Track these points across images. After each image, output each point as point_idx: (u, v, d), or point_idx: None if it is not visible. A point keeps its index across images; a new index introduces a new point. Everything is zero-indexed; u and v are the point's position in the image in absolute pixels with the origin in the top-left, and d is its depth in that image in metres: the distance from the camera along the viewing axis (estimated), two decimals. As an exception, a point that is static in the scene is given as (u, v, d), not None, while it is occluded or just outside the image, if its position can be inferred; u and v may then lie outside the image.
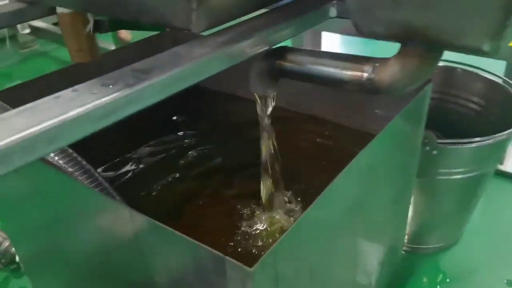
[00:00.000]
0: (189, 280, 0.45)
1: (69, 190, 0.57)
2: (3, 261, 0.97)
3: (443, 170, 0.85)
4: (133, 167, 0.90)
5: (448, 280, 0.96)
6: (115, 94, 0.34)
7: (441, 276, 0.97)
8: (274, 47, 0.49)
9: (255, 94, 0.53)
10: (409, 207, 0.85)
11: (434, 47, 0.38)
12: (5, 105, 0.53)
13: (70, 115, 0.32)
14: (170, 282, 0.48)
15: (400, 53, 0.40)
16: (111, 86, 0.36)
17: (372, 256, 0.76)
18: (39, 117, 0.31)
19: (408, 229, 0.97)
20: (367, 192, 0.62)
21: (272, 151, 0.57)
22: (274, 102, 0.53)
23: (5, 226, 0.84)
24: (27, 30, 2.15)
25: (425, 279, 0.97)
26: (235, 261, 0.38)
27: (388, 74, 0.40)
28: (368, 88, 0.42)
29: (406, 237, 0.99)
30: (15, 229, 0.81)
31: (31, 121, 0.30)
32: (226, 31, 0.46)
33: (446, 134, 0.90)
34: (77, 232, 0.62)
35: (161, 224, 0.43)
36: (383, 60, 0.42)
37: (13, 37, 2.23)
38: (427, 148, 0.80)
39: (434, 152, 0.81)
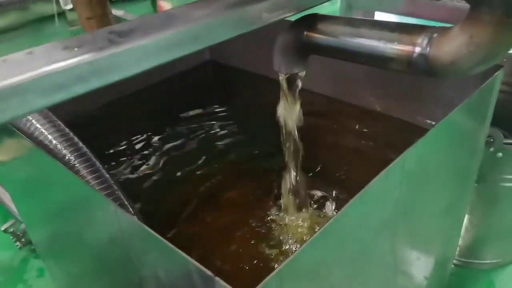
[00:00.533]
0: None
1: (72, 186, 0.50)
2: (22, 240, 0.94)
3: (508, 176, 0.72)
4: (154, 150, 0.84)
5: (503, 301, 0.83)
6: (76, 59, 0.26)
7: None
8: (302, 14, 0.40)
9: (279, 74, 0.43)
10: (464, 216, 0.73)
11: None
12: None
13: (11, 82, 0.24)
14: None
15: (468, 19, 0.29)
16: (75, 49, 0.28)
17: (415, 271, 0.65)
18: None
19: (461, 241, 0.84)
20: (413, 198, 0.51)
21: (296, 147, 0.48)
22: (301, 85, 0.43)
23: (19, 208, 0.81)
24: (70, 6, 2.13)
25: (477, 299, 0.84)
26: (226, 284, 0.29)
27: (450, 49, 0.29)
28: (420, 68, 0.31)
29: (457, 249, 0.87)
30: (26, 213, 0.77)
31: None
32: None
33: (515, 134, 0.76)
34: (81, 225, 0.56)
35: (150, 231, 0.34)
36: (443, 30, 0.31)
37: (62, 14, 2.24)
38: (491, 149, 0.67)
39: (499, 154, 0.68)
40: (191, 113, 0.90)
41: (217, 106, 0.94)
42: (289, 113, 0.46)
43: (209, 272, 0.30)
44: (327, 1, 0.39)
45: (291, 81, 0.44)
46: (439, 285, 0.78)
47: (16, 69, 0.25)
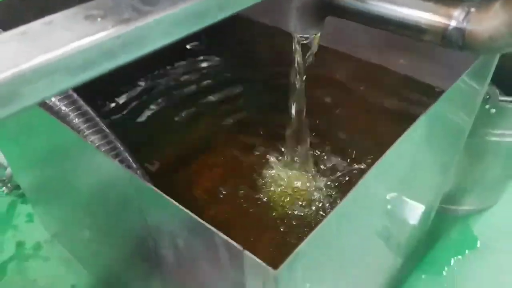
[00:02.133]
0: (199, 265, 0.38)
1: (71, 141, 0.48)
2: (9, 185, 0.93)
3: (497, 132, 0.74)
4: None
5: (478, 244, 0.89)
6: (104, 33, 0.24)
7: (471, 239, 0.90)
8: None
9: (294, 35, 0.41)
10: (452, 171, 0.75)
11: None
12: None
13: (38, 62, 0.22)
14: (182, 259, 0.40)
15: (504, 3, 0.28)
16: (99, 19, 0.25)
17: (405, 220, 0.68)
18: None
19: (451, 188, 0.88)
20: (417, 163, 0.52)
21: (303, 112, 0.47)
22: (317, 47, 0.42)
23: (5, 153, 0.78)
24: None
25: (454, 241, 0.89)
26: (257, 258, 0.30)
27: (488, 26, 0.28)
28: (454, 42, 0.31)
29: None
30: (13, 158, 0.75)
31: None
32: None
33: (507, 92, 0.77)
34: (79, 175, 0.54)
35: (176, 203, 0.33)
36: (482, 5, 0.29)
37: None
38: (487, 106, 0.68)
39: (493, 110, 0.69)
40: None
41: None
42: (300, 74, 0.45)
43: (238, 246, 0.30)
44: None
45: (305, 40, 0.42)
46: (422, 229, 0.82)
47: (39, 45, 0.23)
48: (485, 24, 0.29)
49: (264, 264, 0.29)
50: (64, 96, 0.51)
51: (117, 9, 0.26)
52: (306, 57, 0.43)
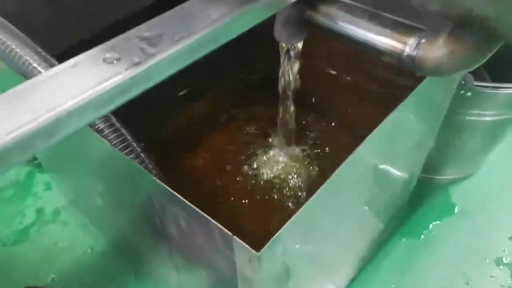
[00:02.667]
0: (198, 242, 0.46)
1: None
2: (26, 156, 1.01)
3: (474, 112, 0.80)
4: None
5: (456, 210, 0.98)
6: (120, 76, 0.31)
7: (449, 206, 0.98)
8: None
9: (279, 43, 0.47)
10: (431, 145, 0.82)
11: (493, 39, 0.32)
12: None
13: (69, 104, 0.29)
14: (183, 237, 0.49)
15: (452, 36, 0.33)
16: (115, 62, 0.32)
17: (387, 189, 0.76)
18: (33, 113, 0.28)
19: (429, 157, 0.95)
20: (400, 137, 0.59)
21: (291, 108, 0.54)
22: (300, 53, 0.48)
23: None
24: None
25: (433, 208, 0.98)
26: (242, 242, 0.38)
27: (433, 57, 0.34)
28: (408, 65, 0.37)
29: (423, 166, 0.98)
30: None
31: (24, 115, 0.28)
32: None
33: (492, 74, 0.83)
34: (91, 156, 0.62)
35: (176, 194, 0.41)
36: (431, 37, 0.35)
37: None
38: (462, 91, 0.74)
39: (469, 93, 0.75)
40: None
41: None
42: (288, 74, 0.51)
43: (228, 232, 0.38)
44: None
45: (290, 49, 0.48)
46: (403, 197, 0.90)
47: (69, 89, 0.29)
48: (431, 54, 0.35)
49: (249, 247, 0.37)
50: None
51: (129, 52, 0.32)
52: (291, 61, 0.49)
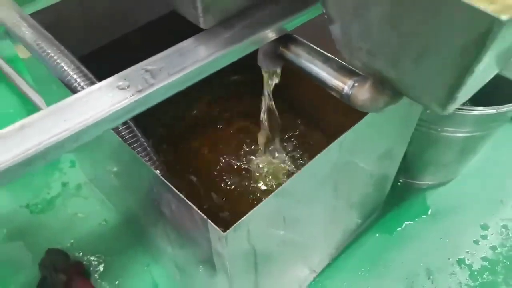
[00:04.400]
0: (184, 222, 0.59)
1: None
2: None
3: (447, 128, 0.91)
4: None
5: (429, 213, 1.08)
6: (129, 100, 0.43)
7: (423, 208, 1.09)
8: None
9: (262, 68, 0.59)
10: (402, 154, 0.93)
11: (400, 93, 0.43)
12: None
13: (92, 119, 0.42)
14: (174, 218, 0.62)
15: (373, 84, 0.45)
16: (127, 88, 0.44)
17: (356, 190, 0.87)
18: (66, 123, 0.41)
19: (405, 165, 1.06)
20: (361, 148, 0.70)
21: (272, 112, 0.66)
22: (279, 78, 0.60)
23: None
24: None
25: (409, 209, 1.09)
26: (213, 225, 0.50)
27: (361, 98, 0.46)
28: (345, 101, 0.48)
29: (402, 173, 1.09)
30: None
31: (60, 125, 0.41)
32: (231, 24, 0.51)
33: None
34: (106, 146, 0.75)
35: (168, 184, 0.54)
36: (362, 82, 0.47)
37: None
38: (427, 111, 0.84)
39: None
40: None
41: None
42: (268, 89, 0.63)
43: (204, 216, 0.51)
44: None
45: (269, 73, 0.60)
46: (379, 198, 1.02)
47: (95, 107, 0.42)
48: (360, 96, 0.46)
49: (218, 229, 0.49)
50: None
51: (135, 81, 0.45)
52: (272, 79, 0.61)
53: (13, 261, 0.97)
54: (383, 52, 0.38)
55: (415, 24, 0.34)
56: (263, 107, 0.67)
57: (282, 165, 0.83)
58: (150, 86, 0.44)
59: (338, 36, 0.42)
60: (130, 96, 0.43)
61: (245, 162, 0.86)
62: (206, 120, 0.96)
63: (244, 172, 0.86)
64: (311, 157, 0.75)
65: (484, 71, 0.35)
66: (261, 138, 0.74)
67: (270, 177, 0.83)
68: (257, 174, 0.83)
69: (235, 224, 0.51)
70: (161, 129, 0.96)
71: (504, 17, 0.27)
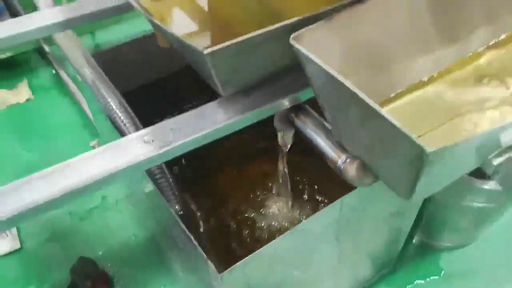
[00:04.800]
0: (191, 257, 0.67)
1: None
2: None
3: (463, 198, 0.93)
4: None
5: (441, 274, 1.09)
6: (153, 153, 0.52)
7: (437, 269, 1.10)
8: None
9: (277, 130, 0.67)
10: (413, 217, 0.95)
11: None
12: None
13: (123, 165, 0.51)
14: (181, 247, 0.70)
15: (360, 164, 0.51)
16: (152, 141, 0.53)
17: (362, 246, 0.92)
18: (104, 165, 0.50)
19: (422, 224, 1.08)
20: (364, 208, 0.75)
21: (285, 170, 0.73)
22: (293, 140, 0.67)
23: (98, 127, 1.12)
24: None
25: (422, 268, 1.10)
26: (212, 265, 0.58)
27: (350, 174, 0.52)
28: (338, 173, 0.54)
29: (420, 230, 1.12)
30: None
31: (99, 167, 0.50)
32: (248, 93, 0.59)
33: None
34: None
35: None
36: (352, 160, 0.53)
37: None
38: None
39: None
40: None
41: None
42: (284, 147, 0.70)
43: (205, 256, 0.58)
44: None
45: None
46: (390, 255, 1.04)
47: (125, 155, 0.51)
48: (350, 171, 0.52)
49: (214, 269, 0.56)
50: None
51: (159, 137, 0.54)
52: (287, 143, 0.69)
53: (49, 260, 1.09)
54: (361, 143, 0.44)
55: (377, 134, 0.40)
56: (280, 166, 0.74)
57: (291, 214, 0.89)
58: (170, 143, 0.53)
59: (329, 121, 0.48)
60: (153, 150, 0.52)
61: (260, 201, 0.93)
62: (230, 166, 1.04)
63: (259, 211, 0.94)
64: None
65: (441, 175, 0.41)
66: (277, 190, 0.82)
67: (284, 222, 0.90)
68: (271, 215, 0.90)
69: (230, 268, 0.58)
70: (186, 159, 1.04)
71: (429, 149, 0.33)
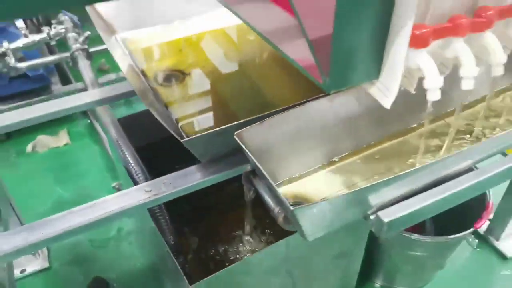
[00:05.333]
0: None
1: None
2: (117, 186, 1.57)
3: (403, 248, 1.15)
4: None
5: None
6: (149, 199, 0.79)
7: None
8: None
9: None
10: (360, 257, 1.17)
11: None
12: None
13: (131, 205, 0.77)
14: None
15: (285, 218, 0.76)
16: (150, 191, 0.80)
17: (318, 285, 1.14)
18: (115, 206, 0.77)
19: (375, 269, 1.30)
20: (310, 248, 0.99)
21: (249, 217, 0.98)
22: (254, 194, 0.93)
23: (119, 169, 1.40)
24: None
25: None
26: (184, 277, 0.82)
27: (279, 220, 0.77)
28: (275, 218, 0.79)
29: (376, 275, 1.32)
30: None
31: (115, 206, 0.77)
32: (219, 161, 0.85)
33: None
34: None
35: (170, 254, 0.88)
36: (281, 212, 0.78)
37: None
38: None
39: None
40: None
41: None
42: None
43: (186, 280, 0.83)
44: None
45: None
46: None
47: (130, 199, 0.78)
48: (279, 220, 0.77)
49: (187, 282, 0.81)
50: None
51: (155, 188, 0.80)
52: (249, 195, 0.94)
53: (70, 278, 1.35)
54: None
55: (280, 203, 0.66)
56: (247, 212, 1.00)
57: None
58: (161, 193, 0.80)
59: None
60: (149, 197, 0.79)
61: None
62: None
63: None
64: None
65: (319, 223, 0.65)
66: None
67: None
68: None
69: (195, 283, 0.82)
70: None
71: (292, 207, 0.58)
